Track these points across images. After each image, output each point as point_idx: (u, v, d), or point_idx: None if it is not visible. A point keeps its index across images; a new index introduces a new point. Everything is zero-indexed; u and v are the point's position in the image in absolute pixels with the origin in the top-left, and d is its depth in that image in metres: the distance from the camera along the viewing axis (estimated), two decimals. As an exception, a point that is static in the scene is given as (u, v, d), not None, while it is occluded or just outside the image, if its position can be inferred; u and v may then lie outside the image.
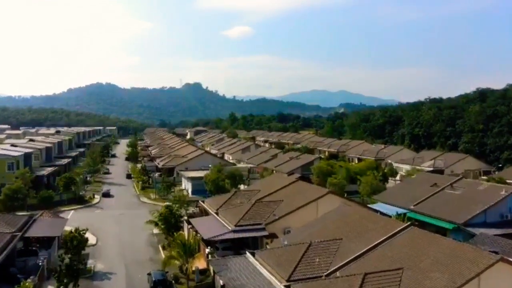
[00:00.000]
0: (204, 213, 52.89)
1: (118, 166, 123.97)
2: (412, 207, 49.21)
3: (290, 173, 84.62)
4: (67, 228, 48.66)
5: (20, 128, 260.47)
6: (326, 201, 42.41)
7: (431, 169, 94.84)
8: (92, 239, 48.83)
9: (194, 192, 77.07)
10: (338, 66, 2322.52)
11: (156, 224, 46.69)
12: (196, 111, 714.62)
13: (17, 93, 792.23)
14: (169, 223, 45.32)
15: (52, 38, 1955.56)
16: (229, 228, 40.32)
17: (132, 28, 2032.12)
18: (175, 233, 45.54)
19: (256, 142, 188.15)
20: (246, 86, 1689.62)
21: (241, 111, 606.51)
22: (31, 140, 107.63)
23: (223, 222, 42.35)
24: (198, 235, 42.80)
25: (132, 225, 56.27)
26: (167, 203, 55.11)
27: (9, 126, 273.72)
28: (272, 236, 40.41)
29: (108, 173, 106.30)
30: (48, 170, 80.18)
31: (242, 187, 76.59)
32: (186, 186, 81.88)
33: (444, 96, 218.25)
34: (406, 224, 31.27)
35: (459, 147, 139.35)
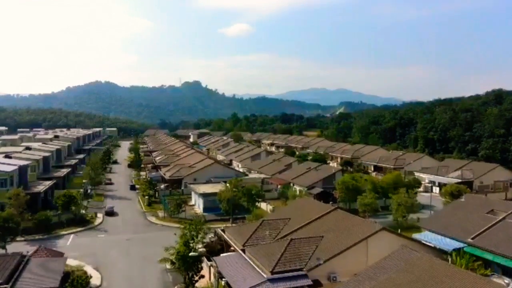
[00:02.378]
0: (224, 244, 45.88)
1: (121, 174, 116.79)
2: (469, 240, 42.08)
3: (310, 187, 77.88)
4: (68, 260, 41.91)
5: (18, 130, 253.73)
6: (378, 239, 35.46)
7: (460, 180, 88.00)
8: (96, 278, 41.82)
9: (206, 209, 70.07)
10: (337, 65, 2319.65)
11: (172, 263, 39.56)
12: (195, 110, 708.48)
13: (16, 91, 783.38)
14: (188, 262, 38.18)
15: (52, 37, 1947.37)
16: (264, 275, 33.18)
17: (132, 26, 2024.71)
18: (194, 276, 38.55)
19: (265, 148, 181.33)
20: (246, 85, 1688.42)
21: (241, 110, 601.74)
22: (27, 148, 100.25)
23: (255, 266, 35.20)
24: (224, 279, 35.73)
25: (141, 255, 49.13)
26: (181, 231, 47.88)
27: (7, 128, 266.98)
28: (316, 284, 33.44)
29: (110, 183, 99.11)
30: (45, 184, 72.93)
31: (259, 204, 69.74)
32: (197, 202, 74.77)
33: (447, 95, 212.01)
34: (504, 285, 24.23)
35: (479, 153, 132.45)
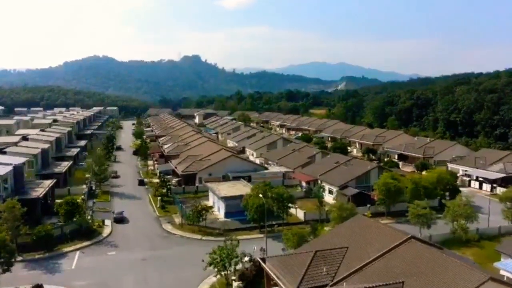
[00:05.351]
0: (265, 276, 37.58)
1: (126, 163, 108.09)
2: None
3: (343, 187, 69.33)
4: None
5: (15, 109, 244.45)
6: (484, 294, 27.00)
7: (503, 175, 79.76)
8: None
9: (227, 214, 61.75)
10: (337, 38, 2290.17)
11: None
12: (195, 85, 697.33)
13: (13, 66, 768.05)
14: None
15: (50, 10, 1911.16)
16: None
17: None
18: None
19: (275, 129, 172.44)
20: (245, 58, 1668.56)
21: (242, 85, 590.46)
22: (24, 138, 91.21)
23: (323, 329, 26.92)
24: None
25: (163, 286, 40.87)
26: (210, 258, 39.70)
27: (3, 107, 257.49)
28: None
29: (116, 176, 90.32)
30: (44, 186, 64.09)
31: (291, 210, 61.28)
32: (216, 204, 66.25)
33: (451, 70, 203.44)
34: None
35: (509, 139, 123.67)
